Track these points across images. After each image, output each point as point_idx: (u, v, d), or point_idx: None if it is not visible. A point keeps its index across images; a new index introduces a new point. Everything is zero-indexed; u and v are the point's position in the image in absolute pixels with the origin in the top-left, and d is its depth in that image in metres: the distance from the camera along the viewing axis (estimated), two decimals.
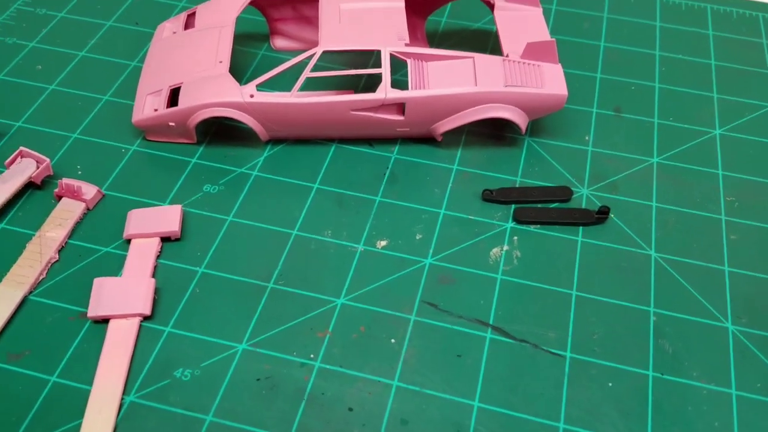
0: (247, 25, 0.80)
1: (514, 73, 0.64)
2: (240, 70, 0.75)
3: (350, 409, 0.50)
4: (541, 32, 0.69)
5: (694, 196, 0.64)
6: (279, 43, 0.78)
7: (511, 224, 0.62)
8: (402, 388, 0.51)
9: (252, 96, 0.63)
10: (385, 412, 0.50)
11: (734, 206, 0.63)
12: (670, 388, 0.51)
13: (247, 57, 0.78)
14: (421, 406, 0.50)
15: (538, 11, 0.72)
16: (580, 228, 0.62)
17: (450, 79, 0.64)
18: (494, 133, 0.70)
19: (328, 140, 0.69)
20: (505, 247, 0.60)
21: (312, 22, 0.77)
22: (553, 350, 0.53)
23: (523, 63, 0.65)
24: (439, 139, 0.68)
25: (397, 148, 0.68)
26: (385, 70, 0.63)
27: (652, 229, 0.61)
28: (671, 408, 0.50)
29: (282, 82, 0.68)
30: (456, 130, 0.68)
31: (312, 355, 0.53)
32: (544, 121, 0.70)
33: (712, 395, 0.51)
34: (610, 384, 0.51)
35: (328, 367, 0.52)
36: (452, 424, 0.49)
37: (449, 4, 0.83)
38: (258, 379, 0.52)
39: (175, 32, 0.73)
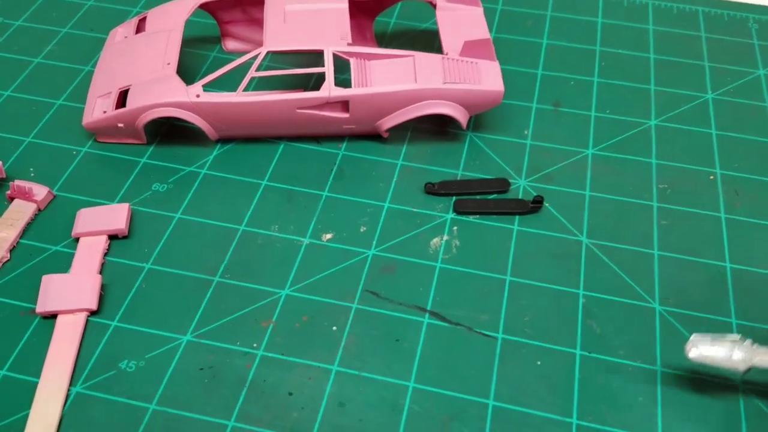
0: (199, 28, 0.82)
1: (453, 70, 0.66)
2: (192, 72, 0.77)
3: (290, 394, 0.52)
4: (481, 31, 0.72)
5: (627, 184, 0.66)
6: (230, 44, 0.80)
7: (451, 215, 0.64)
8: (341, 373, 0.53)
9: (198, 96, 0.65)
10: (324, 395, 0.52)
11: (666, 193, 0.65)
12: (596, 365, 0.54)
13: (199, 59, 0.79)
14: (358, 389, 0.52)
15: (479, 11, 0.74)
16: (516, 217, 0.64)
17: (391, 77, 0.66)
18: (438, 129, 0.72)
19: (278, 138, 0.71)
20: (445, 237, 0.63)
21: (261, 24, 0.79)
22: (486, 332, 0.56)
23: (462, 61, 0.67)
24: (385, 135, 0.70)
25: (344, 144, 0.70)
26: (329, 69, 0.65)
27: (585, 216, 0.64)
28: (597, 384, 0.52)
29: (233, 83, 0.70)
30: (401, 126, 0.70)
31: (255, 345, 0.55)
32: (485, 117, 0.73)
33: (637, 372, 0.53)
34: (539, 362, 0.54)
35: (270, 355, 0.54)
36: (388, 403, 0.52)
37: (398, 5, 0.86)
38: (201, 369, 0.53)
39: (126, 37, 0.75)
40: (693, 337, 0.50)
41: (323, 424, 0.50)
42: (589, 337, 0.55)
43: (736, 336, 0.50)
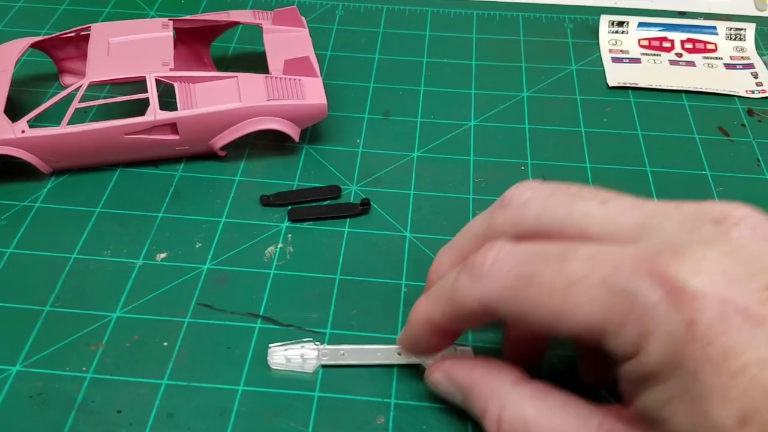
0: (36, 66, 0.83)
1: (276, 88, 0.70)
2: (31, 110, 0.77)
3: (119, 412, 0.53)
4: (306, 50, 0.76)
5: (448, 181, 0.71)
6: (68, 80, 0.81)
7: (286, 224, 0.67)
8: (171, 386, 0.55)
9: (24, 132, 0.66)
10: (153, 409, 0.53)
11: (482, 186, 0.71)
12: None
13: (37, 96, 0.80)
14: (187, 398, 0.54)
15: (305, 32, 0.78)
16: (348, 220, 0.68)
17: (216, 98, 0.69)
18: (275, 144, 0.75)
19: (114, 165, 0.72)
20: (280, 245, 0.65)
21: None
22: (315, 329, 0.59)
23: (285, 78, 0.71)
24: (221, 154, 0.72)
25: (182, 166, 0.72)
26: (152, 94, 0.67)
27: (409, 213, 0.68)
28: (414, 367, 0.56)
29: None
30: (239, 144, 0.73)
31: (84, 368, 0.56)
32: (320, 129, 0.77)
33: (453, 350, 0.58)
34: None
35: (99, 376, 0.55)
36: (216, 409, 0.53)
37: (238, 29, 0.89)
38: (31, 396, 0.54)
39: None
40: (270, 347, 0.56)
41: None
42: None
43: (307, 339, 0.57)
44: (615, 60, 0.87)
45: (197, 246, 0.65)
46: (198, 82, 0.70)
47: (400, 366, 0.56)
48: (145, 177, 0.71)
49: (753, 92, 0.81)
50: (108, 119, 0.67)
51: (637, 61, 0.86)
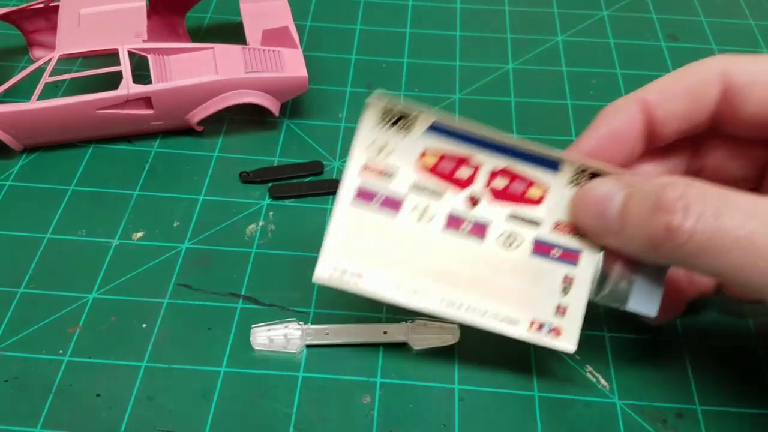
0: (4, 39, 0.79)
1: (254, 59, 0.68)
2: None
3: (98, 395, 0.52)
4: (286, 20, 0.73)
5: None
6: (38, 53, 0.78)
7: (267, 201, 0.66)
8: (150, 368, 0.54)
9: None
10: (133, 392, 0.52)
11: None
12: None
13: (6, 71, 0.77)
14: (168, 381, 0.53)
15: (284, 2, 0.76)
16: (331, 197, 0.66)
17: (192, 70, 0.66)
18: (254, 119, 0.73)
19: (87, 142, 0.69)
20: (261, 223, 0.64)
21: None
22: (298, 309, 0.57)
23: (263, 50, 0.69)
24: (198, 129, 0.70)
25: (157, 142, 0.70)
26: (125, 66, 0.65)
27: None
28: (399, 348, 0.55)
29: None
30: (217, 119, 0.71)
31: (61, 351, 0.54)
32: (302, 103, 0.74)
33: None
34: None
35: (77, 359, 0.54)
36: (199, 391, 0.52)
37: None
38: (6, 380, 0.52)
39: None
40: (253, 328, 0.55)
41: (132, 420, 0.51)
42: None
43: (291, 319, 0.55)
44: (361, 196, 0.49)
45: (175, 225, 0.63)
46: (173, 54, 0.67)
47: (386, 345, 0.55)
48: (120, 154, 0.69)
49: (542, 327, 0.49)
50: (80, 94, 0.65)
51: (396, 206, 0.49)
